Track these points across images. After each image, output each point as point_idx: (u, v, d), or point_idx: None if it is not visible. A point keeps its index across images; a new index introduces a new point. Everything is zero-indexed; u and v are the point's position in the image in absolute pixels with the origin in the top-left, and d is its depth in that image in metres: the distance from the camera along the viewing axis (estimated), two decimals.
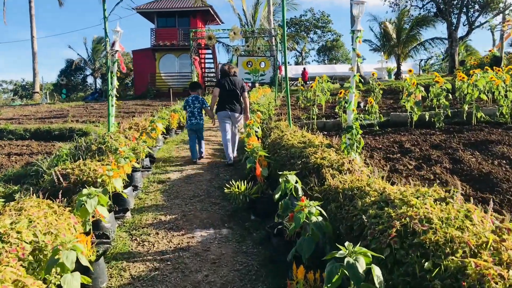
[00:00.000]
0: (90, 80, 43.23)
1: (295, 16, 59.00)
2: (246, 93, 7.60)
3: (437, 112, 8.87)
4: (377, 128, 9.28)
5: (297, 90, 28.23)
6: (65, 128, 11.23)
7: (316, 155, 4.73)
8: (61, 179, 4.64)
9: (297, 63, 58.82)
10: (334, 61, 63.29)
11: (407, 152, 6.28)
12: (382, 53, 38.39)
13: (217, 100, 7.54)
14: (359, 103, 10.67)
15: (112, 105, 7.46)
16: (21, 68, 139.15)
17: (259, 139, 6.93)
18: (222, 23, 31.08)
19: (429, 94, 9.39)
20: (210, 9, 27.58)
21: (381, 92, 11.32)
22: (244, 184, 4.74)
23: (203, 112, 7.85)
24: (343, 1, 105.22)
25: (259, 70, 23.39)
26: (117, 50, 7.40)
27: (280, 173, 4.03)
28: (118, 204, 4.77)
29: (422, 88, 9.00)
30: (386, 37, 34.52)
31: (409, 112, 9.27)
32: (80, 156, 6.04)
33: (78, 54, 40.93)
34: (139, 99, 25.31)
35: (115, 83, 7.51)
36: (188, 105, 7.73)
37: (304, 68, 34.22)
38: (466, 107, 9.09)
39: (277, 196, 3.98)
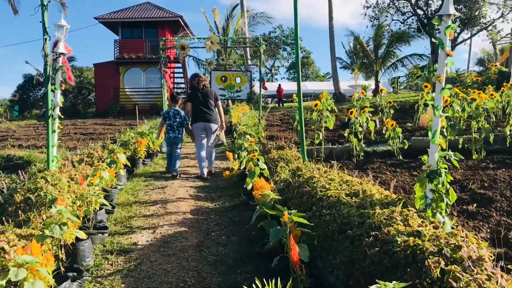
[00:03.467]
0: (63, 99, 40.02)
1: (263, 33, 57.67)
2: (220, 102, 7.65)
3: (476, 137, 7.08)
4: (401, 157, 7.40)
5: (274, 107, 26.46)
6: (2, 156, 8.84)
7: (397, 225, 2.72)
8: None
9: (267, 80, 57.21)
10: (305, 78, 62.43)
11: (484, 200, 4.33)
12: (355, 70, 37.36)
13: (191, 114, 7.44)
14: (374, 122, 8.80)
15: (54, 131, 5.24)
16: None
17: (267, 181, 4.85)
18: (193, 35, 29.02)
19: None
20: (180, 19, 25.49)
21: (392, 111, 9.49)
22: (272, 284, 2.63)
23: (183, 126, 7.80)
24: (310, 19, 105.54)
25: (235, 86, 21.38)
26: (62, 53, 5.22)
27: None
28: None
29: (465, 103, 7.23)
30: (362, 53, 33.39)
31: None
32: None
33: (36, 69, 37.63)
34: (101, 117, 22.82)
35: (59, 99, 5.31)
36: (168, 118, 7.69)
37: (279, 85, 32.55)
38: (508, 130, 7.34)
39: None
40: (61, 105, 5.29)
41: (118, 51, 25.84)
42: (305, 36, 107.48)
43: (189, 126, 7.58)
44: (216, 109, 7.50)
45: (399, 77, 42.47)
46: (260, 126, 10.21)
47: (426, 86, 9.57)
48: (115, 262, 3.71)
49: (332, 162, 7.43)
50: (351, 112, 7.73)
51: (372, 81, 35.16)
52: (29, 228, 3.46)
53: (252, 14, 30.99)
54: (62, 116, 5.43)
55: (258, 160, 4.99)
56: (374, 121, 9.71)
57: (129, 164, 6.52)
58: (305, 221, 2.98)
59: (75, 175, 4.74)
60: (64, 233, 3.23)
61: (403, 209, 2.95)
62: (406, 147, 7.42)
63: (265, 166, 5.00)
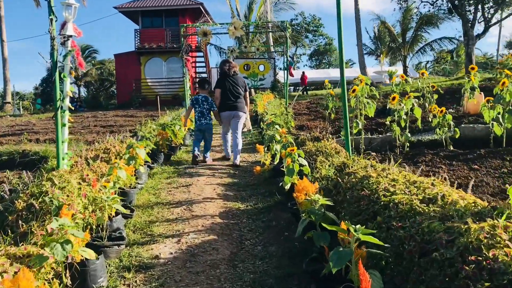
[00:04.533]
0: (74, 88, 40.02)
1: (286, 20, 56.58)
2: (247, 93, 7.55)
3: None
4: (451, 147, 6.59)
5: (299, 96, 25.58)
6: (17, 152, 8.35)
7: (505, 247, 2.00)
8: None
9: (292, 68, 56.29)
10: (327, 65, 61.29)
11: None
12: (382, 55, 36.16)
13: (219, 101, 7.31)
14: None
15: (64, 125, 4.66)
16: None
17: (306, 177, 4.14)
18: (214, 23, 28.31)
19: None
20: (201, 6, 24.80)
21: (436, 96, 8.63)
22: None
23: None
24: (330, 5, 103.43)
25: (258, 74, 20.59)
26: (71, 36, 4.60)
27: None
28: None
29: None
30: (389, 38, 32.21)
31: (491, 123, 6.56)
32: None
33: (39, 53, 37.54)
34: (122, 108, 22.41)
35: (68, 88, 4.70)
36: (197, 104, 7.43)
37: (303, 72, 31.66)
38: None
39: None
40: (71, 95, 4.69)
41: (138, 40, 25.34)
42: (327, 22, 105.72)
43: (217, 113, 7.44)
44: (244, 99, 7.42)
45: (428, 61, 41.02)
46: (288, 115, 9.48)
47: (472, 68, 8.67)
48: (133, 282, 3.08)
49: (373, 153, 6.70)
50: (393, 98, 6.92)
51: (397, 67, 33.93)
52: (29, 244, 2.86)
53: (274, 0, 30.07)
54: (73, 108, 4.83)
55: (298, 155, 4.28)
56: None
57: (149, 160, 5.90)
58: (377, 241, 2.27)
59: (87, 175, 4.13)
60: (68, 253, 2.61)
61: (507, 222, 2.22)
62: (457, 136, 6.61)
63: (305, 162, 4.29)
